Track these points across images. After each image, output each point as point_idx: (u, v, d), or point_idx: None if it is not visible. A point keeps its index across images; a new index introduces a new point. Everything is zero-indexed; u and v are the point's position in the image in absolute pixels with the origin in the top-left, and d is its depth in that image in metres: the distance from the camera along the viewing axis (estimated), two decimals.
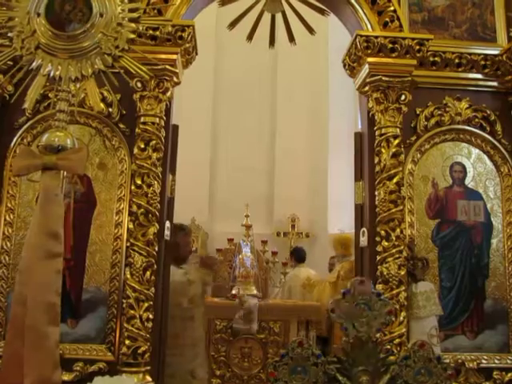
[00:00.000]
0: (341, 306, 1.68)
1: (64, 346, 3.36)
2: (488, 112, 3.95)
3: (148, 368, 3.40)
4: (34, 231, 1.95)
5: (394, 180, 3.66)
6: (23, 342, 1.81)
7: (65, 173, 2.05)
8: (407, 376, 1.69)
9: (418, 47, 3.73)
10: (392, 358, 1.73)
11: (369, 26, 3.85)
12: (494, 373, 3.61)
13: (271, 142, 9.77)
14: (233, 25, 4.19)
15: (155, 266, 3.51)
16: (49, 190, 1.97)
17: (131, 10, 2.18)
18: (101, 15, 2.12)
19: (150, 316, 3.44)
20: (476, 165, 3.95)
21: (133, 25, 2.15)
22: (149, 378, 3.37)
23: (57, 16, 2.14)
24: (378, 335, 1.77)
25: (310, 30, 4.22)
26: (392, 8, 3.83)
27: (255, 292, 6.20)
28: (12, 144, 3.68)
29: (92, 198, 3.66)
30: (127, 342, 3.38)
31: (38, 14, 2.13)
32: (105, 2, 2.13)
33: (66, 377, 3.33)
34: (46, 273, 1.88)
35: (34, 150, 2.29)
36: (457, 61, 3.91)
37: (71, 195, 3.52)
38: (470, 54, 3.93)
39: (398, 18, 3.83)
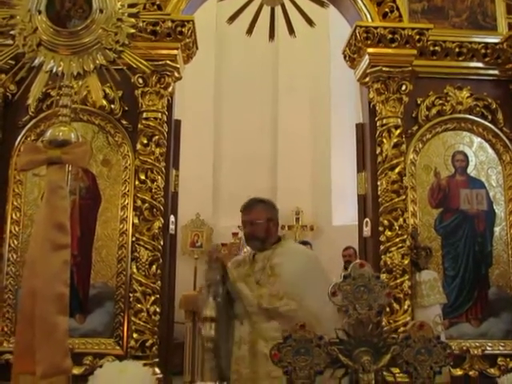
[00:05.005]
0: (342, 289, 1.73)
1: (73, 341, 3.41)
2: (489, 100, 3.94)
3: (156, 360, 3.45)
4: (41, 224, 1.99)
5: (396, 170, 3.68)
6: (33, 332, 1.86)
7: (70, 167, 2.09)
8: (407, 356, 1.73)
9: (417, 37, 3.73)
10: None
11: (368, 17, 3.85)
12: (499, 359, 3.63)
13: (273, 135, 9.75)
14: (232, 19, 4.19)
15: (161, 260, 3.55)
16: (54, 184, 2.01)
17: (130, 6, 2.21)
18: (101, 11, 2.15)
19: (157, 309, 3.48)
20: (478, 153, 3.95)
21: (132, 20, 2.19)
22: (157, 370, 3.41)
23: (57, 13, 2.17)
24: (378, 318, 1.80)
25: (310, 22, 4.22)
26: None
27: None
28: (16, 143, 3.71)
29: (97, 194, 3.69)
30: (135, 335, 3.43)
31: (39, 12, 2.17)
32: None
33: (76, 371, 3.37)
34: (53, 264, 1.92)
35: (38, 145, 2.33)
36: (457, 50, 3.91)
37: (77, 192, 3.55)
38: (471, 42, 3.92)
39: (398, 8, 3.83)
